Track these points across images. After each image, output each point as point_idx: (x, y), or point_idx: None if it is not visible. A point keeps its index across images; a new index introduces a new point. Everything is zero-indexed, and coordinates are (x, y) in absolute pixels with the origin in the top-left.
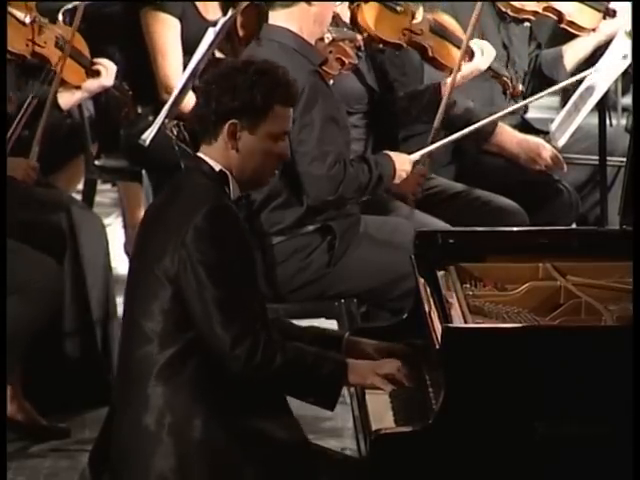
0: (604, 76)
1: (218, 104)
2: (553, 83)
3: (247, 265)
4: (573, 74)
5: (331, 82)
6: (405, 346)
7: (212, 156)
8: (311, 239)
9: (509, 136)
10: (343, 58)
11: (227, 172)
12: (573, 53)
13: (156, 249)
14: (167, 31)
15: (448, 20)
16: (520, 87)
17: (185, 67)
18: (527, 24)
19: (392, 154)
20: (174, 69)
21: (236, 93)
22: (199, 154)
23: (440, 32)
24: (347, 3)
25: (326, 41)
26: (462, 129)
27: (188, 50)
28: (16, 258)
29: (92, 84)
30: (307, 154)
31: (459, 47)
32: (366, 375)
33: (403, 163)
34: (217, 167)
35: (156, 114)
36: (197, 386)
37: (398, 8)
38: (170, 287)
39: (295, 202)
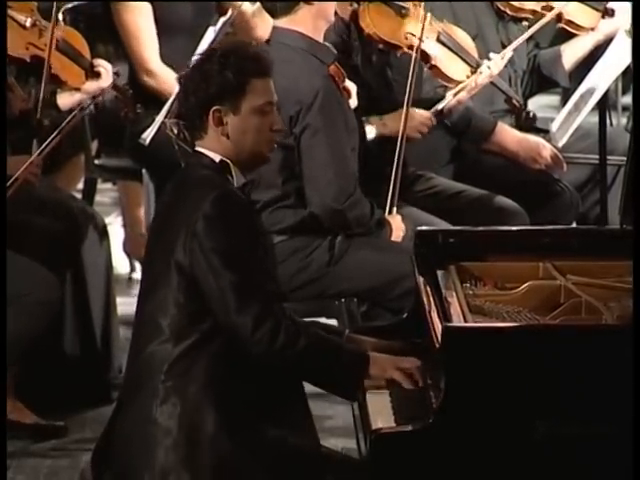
0: (604, 75)
1: (195, 97)
2: (552, 82)
3: (258, 248)
4: (572, 74)
5: None
6: (404, 344)
7: (209, 148)
8: (312, 239)
9: (509, 135)
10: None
11: (227, 161)
12: (572, 52)
13: (168, 243)
14: (138, 17)
15: (460, 34)
16: (530, 114)
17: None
18: (525, 23)
19: (389, 220)
20: (150, 51)
21: (209, 80)
22: (197, 149)
23: (447, 43)
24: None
25: None
26: (463, 129)
27: (164, 30)
28: (8, 269)
29: (91, 86)
30: (317, 158)
31: (465, 61)
32: (386, 368)
33: (398, 229)
34: (217, 158)
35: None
36: (209, 380)
37: (403, 11)
38: (184, 279)
39: (301, 204)
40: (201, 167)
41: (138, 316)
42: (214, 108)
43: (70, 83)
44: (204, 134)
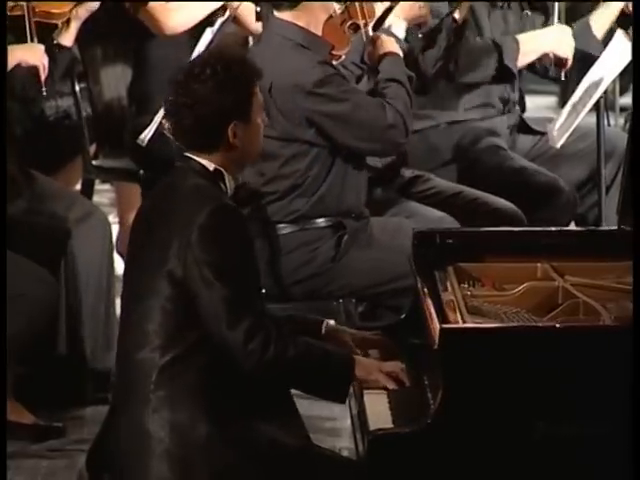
0: (602, 76)
1: (208, 119)
2: (586, 56)
3: (252, 263)
4: (571, 73)
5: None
6: (381, 335)
7: (205, 157)
8: (321, 233)
9: (532, 39)
10: (357, 22)
11: (222, 170)
12: (600, 22)
13: (158, 250)
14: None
15: None
16: None
17: None
18: (527, 12)
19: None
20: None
21: (220, 99)
22: (188, 154)
23: None
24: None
25: (338, 12)
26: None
27: None
28: (7, 269)
29: (81, 11)
30: (371, 125)
31: None
32: (371, 370)
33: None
34: (211, 166)
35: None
36: (200, 388)
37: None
38: (175, 288)
39: (309, 192)
40: (192, 174)
41: (124, 320)
42: (231, 125)
43: (55, 11)
44: (214, 150)
